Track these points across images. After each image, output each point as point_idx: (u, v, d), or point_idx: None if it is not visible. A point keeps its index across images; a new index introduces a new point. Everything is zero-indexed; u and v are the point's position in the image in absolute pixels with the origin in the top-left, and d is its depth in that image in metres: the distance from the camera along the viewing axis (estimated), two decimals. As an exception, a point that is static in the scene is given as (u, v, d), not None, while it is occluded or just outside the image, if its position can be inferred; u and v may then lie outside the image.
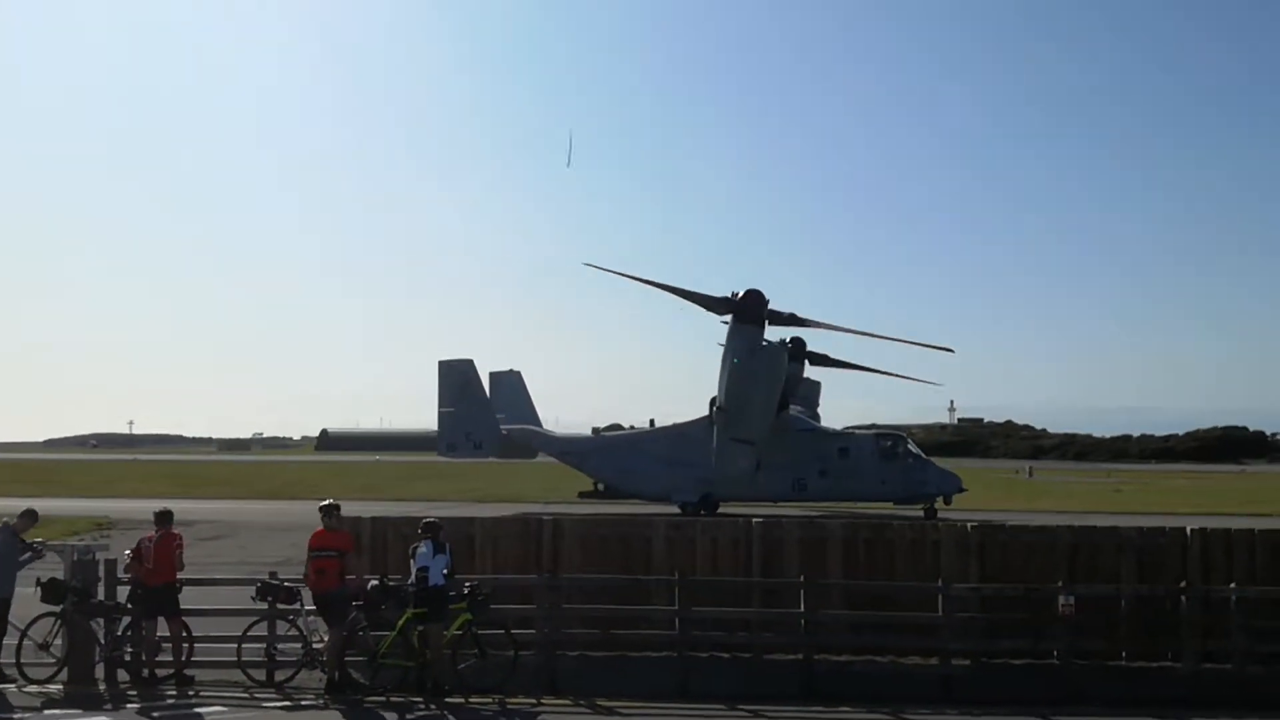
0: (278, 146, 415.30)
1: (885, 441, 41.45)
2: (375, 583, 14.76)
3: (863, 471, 40.11)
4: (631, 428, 49.03)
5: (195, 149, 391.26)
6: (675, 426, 43.09)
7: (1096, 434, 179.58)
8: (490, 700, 13.93)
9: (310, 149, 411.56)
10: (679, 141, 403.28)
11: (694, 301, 36.46)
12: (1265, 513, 41.07)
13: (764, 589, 15.85)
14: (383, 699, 14.02)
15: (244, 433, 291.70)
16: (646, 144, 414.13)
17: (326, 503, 15.04)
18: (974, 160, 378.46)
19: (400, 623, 14.38)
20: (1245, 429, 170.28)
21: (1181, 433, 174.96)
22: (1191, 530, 15.89)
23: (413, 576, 14.36)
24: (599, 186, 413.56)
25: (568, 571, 15.89)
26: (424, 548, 14.36)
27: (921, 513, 38.08)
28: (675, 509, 38.33)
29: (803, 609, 14.99)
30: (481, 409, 46.38)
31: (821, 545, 16.18)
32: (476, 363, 47.52)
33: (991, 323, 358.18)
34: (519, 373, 48.62)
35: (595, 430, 49.44)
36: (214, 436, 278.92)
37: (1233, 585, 14.86)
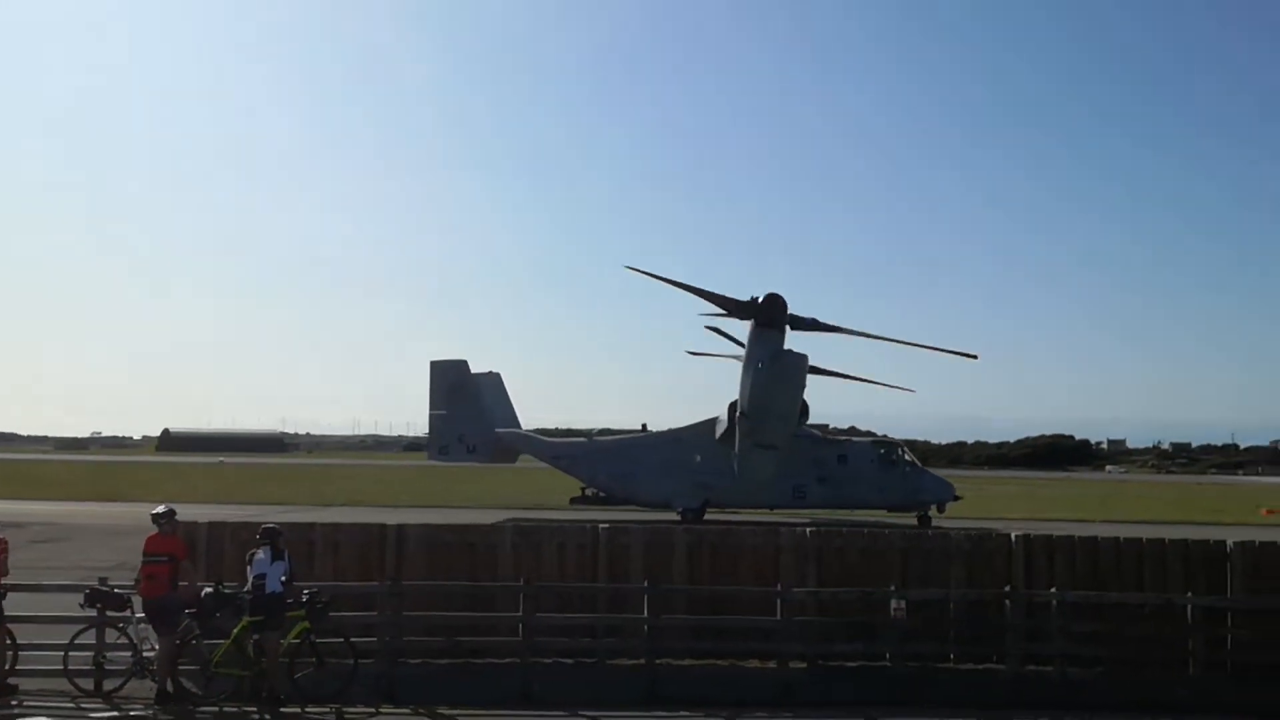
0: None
1: (883, 449, 41.47)
2: (209, 590, 14.32)
3: (861, 479, 39.89)
4: (606, 433, 47.78)
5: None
6: (672, 432, 42.49)
7: (935, 441, 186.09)
8: (327, 710, 13.66)
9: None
10: (695, 145, 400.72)
11: (717, 304, 35.87)
12: (1086, 518, 43.21)
13: (609, 595, 15.97)
14: (216, 709, 13.63)
15: (82, 431, 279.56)
16: (661, 148, 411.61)
17: (160, 509, 14.50)
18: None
19: (235, 631, 13.99)
20: (1072, 437, 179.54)
21: (1013, 440, 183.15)
22: (1016, 535, 16.64)
23: (249, 583, 13.99)
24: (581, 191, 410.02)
25: (412, 578, 15.71)
26: (261, 554, 13.99)
27: (915, 520, 38.53)
28: (666, 515, 38.28)
29: (646, 614, 15.15)
30: (476, 411, 45.13)
31: (667, 551, 16.39)
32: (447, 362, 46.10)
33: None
34: (498, 374, 47.19)
35: (589, 435, 47.84)
36: (50, 435, 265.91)
37: (1054, 589, 15.61)
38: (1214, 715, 14.06)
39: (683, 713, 13.95)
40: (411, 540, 16.31)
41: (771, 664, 15.15)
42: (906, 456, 41.24)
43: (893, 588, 15.47)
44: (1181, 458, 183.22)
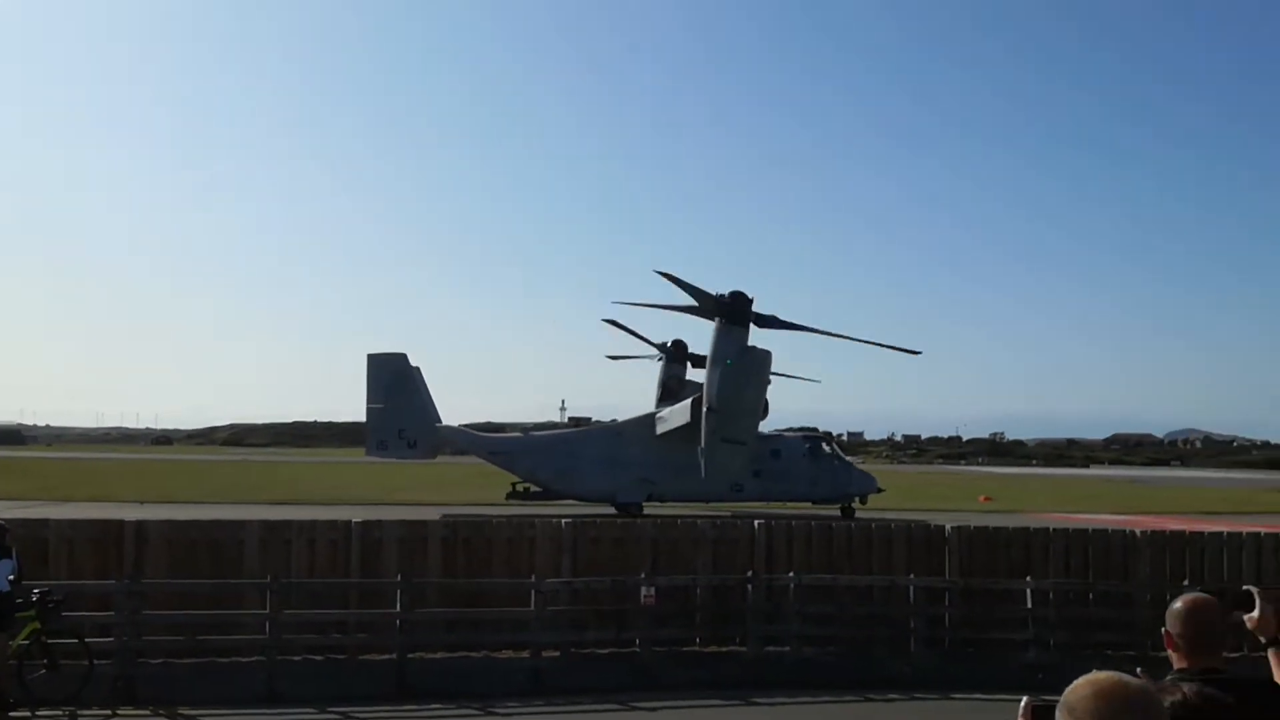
0: None
1: (810, 444, 41.73)
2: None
3: (794, 473, 40.25)
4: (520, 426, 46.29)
5: None
6: (611, 426, 42.11)
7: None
8: (60, 713, 13.00)
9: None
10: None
11: (690, 295, 35.38)
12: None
13: (361, 590, 15.81)
14: (-66, 719, 12.72)
15: None
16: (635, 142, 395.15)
17: None
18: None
19: (-43, 635, 13.08)
20: (816, 429, 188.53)
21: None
22: (759, 523, 17.50)
23: (-29, 585, 13.09)
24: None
25: (154, 576, 15.09)
26: (-14, 553, 13.14)
27: (839, 512, 38.73)
28: (603, 508, 37.43)
29: (399, 609, 15.09)
30: (418, 405, 42.97)
31: (422, 545, 16.37)
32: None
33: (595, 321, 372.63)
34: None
35: (525, 430, 46.46)
36: None
37: (791, 574, 16.52)
38: (932, 690, 15.16)
39: (434, 705, 14.01)
40: (153, 537, 15.65)
41: (525, 654, 15.39)
42: (835, 450, 42.10)
43: (643, 575, 15.99)
44: (912, 449, 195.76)
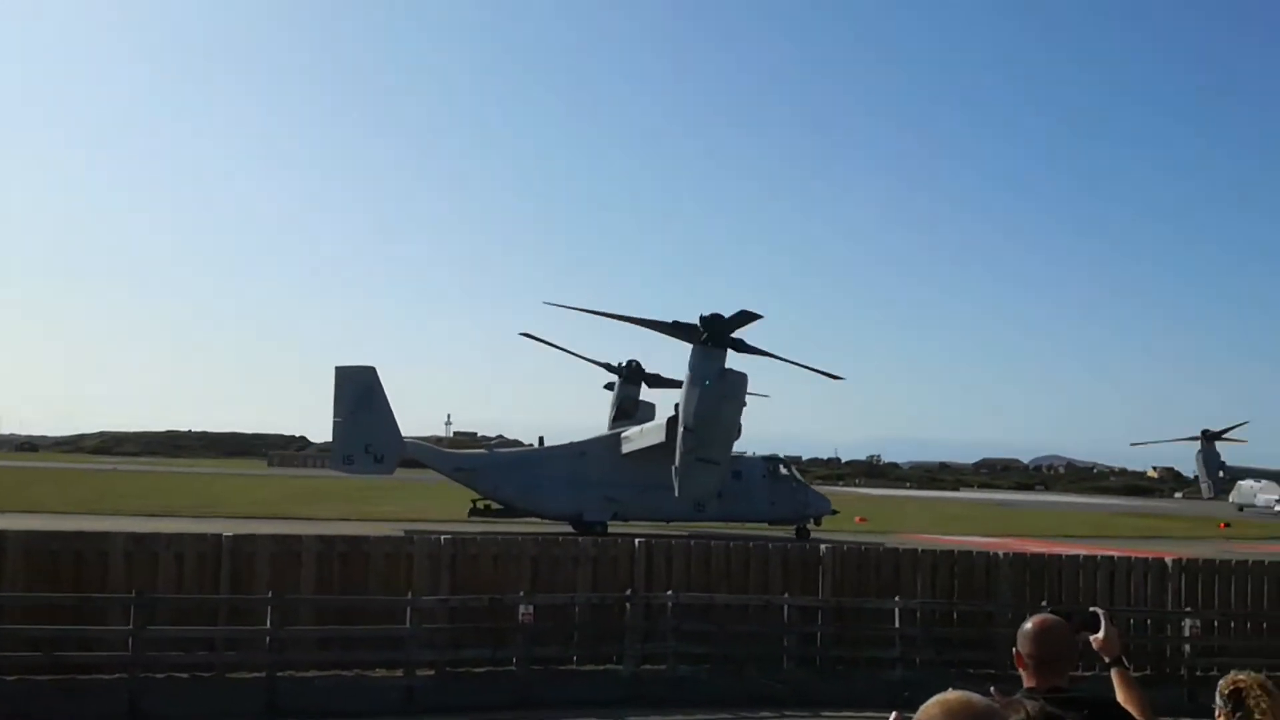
0: None
1: (770, 465, 42.26)
2: None
3: (754, 494, 40.77)
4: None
5: None
6: (573, 445, 42.31)
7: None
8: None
9: None
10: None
11: (662, 331, 36.50)
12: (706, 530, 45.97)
13: (231, 605, 15.46)
14: None
15: None
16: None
17: None
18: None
19: None
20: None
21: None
22: (639, 541, 17.63)
23: None
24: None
25: (11, 589, 14.54)
26: None
27: (794, 533, 39.26)
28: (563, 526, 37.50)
29: (269, 625, 14.80)
30: (384, 420, 42.22)
31: (295, 560, 16.08)
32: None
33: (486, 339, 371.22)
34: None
35: (488, 446, 46.19)
36: None
37: (670, 592, 16.68)
38: (803, 707, 15.43)
39: (303, 724, 13.78)
40: (10, 548, 15.06)
41: (398, 673, 15.22)
42: (793, 472, 42.85)
43: (521, 593, 15.96)
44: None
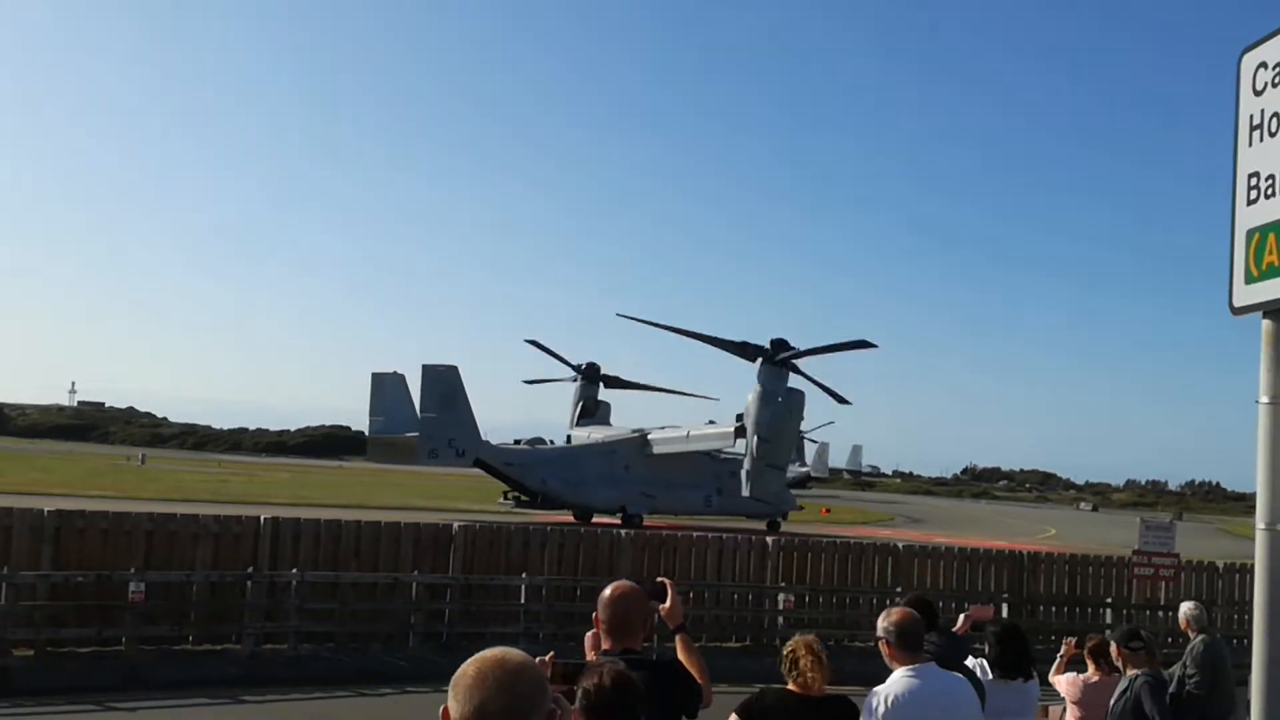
0: None
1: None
2: None
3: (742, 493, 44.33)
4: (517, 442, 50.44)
5: None
6: (605, 444, 47.98)
7: (216, 425, 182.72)
8: None
9: None
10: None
11: (728, 350, 40.97)
12: (339, 504, 45.42)
13: None
14: None
15: None
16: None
17: None
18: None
19: None
20: (349, 428, 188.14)
21: (294, 429, 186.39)
22: (264, 518, 17.23)
23: None
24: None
25: None
26: None
27: (765, 526, 44.81)
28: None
29: None
30: (465, 416, 45.84)
31: None
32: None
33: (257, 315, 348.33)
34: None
35: (517, 441, 50.12)
36: None
37: (295, 570, 16.46)
38: (426, 683, 15.61)
39: None
40: None
41: (-9, 653, 14.21)
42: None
43: (132, 570, 15.26)
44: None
